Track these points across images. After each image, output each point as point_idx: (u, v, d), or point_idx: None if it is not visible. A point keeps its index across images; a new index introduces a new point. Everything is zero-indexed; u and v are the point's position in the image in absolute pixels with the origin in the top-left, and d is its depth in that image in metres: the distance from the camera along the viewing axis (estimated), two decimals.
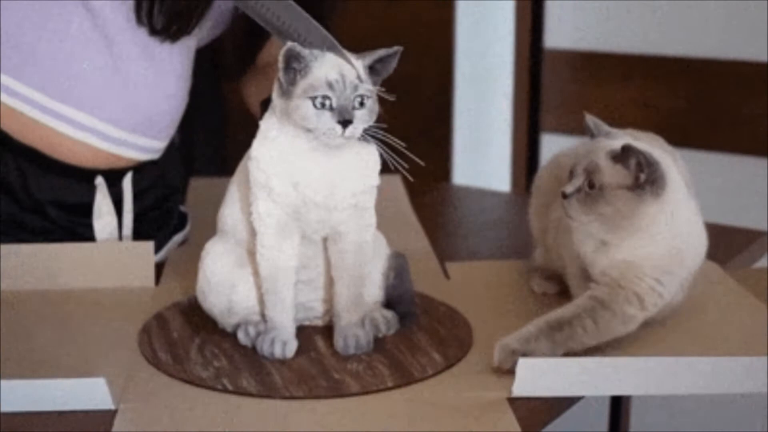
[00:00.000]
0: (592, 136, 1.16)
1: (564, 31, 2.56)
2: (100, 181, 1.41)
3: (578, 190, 1.12)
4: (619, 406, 1.97)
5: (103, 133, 1.39)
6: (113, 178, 1.42)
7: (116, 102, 1.39)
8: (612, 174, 1.10)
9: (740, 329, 1.20)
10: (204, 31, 1.48)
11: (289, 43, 1.05)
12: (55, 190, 1.39)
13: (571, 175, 1.13)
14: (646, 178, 1.09)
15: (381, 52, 1.08)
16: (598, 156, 1.11)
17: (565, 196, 1.12)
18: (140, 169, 1.46)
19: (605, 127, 1.17)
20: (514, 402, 1.02)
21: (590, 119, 1.17)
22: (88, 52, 1.37)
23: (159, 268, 1.41)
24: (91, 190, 1.41)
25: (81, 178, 1.40)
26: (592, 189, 1.11)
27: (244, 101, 1.59)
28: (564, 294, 1.27)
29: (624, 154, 1.09)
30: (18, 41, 1.35)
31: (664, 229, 1.12)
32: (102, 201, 1.41)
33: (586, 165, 1.12)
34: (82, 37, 1.36)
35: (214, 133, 2.67)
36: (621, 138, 1.15)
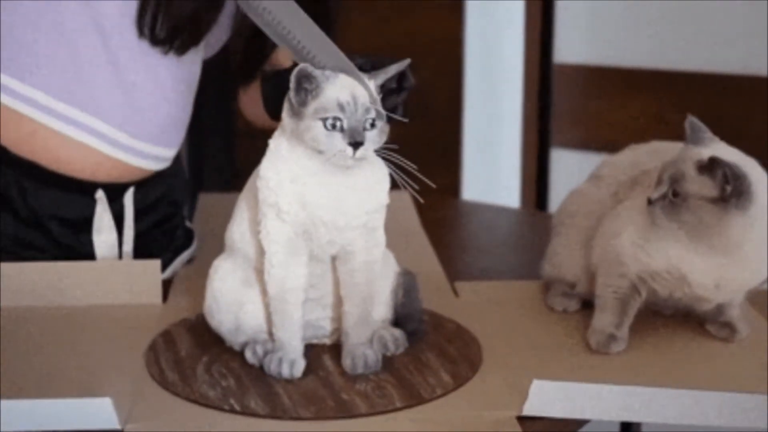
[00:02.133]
0: (690, 140, 1.14)
1: (573, 45, 2.56)
2: (100, 194, 1.39)
3: (663, 197, 1.11)
4: (629, 426, 1.96)
5: (106, 135, 1.37)
6: (115, 193, 1.41)
7: (117, 104, 1.37)
8: (697, 184, 1.09)
9: (753, 352, 1.19)
10: (209, 40, 1.44)
11: (301, 64, 1.05)
12: (55, 204, 1.38)
13: (658, 181, 1.13)
14: (731, 191, 1.08)
15: (392, 69, 1.08)
16: (686, 165, 1.11)
17: (650, 202, 1.12)
18: (144, 186, 1.44)
19: (704, 133, 1.15)
20: (524, 421, 1.02)
21: (690, 121, 1.15)
22: (87, 51, 1.34)
23: (166, 285, 1.40)
24: (92, 204, 1.39)
25: (81, 192, 1.39)
26: (677, 197, 1.10)
27: (241, 111, 1.59)
28: (583, 311, 1.28)
29: (711, 166, 1.08)
30: (17, 41, 1.33)
31: (751, 246, 1.11)
32: (102, 215, 1.40)
33: (672, 173, 1.11)
34: (79, 36, 1.34)
35: (222, 147, 2.67)
36: (714, 146, 1.13)
